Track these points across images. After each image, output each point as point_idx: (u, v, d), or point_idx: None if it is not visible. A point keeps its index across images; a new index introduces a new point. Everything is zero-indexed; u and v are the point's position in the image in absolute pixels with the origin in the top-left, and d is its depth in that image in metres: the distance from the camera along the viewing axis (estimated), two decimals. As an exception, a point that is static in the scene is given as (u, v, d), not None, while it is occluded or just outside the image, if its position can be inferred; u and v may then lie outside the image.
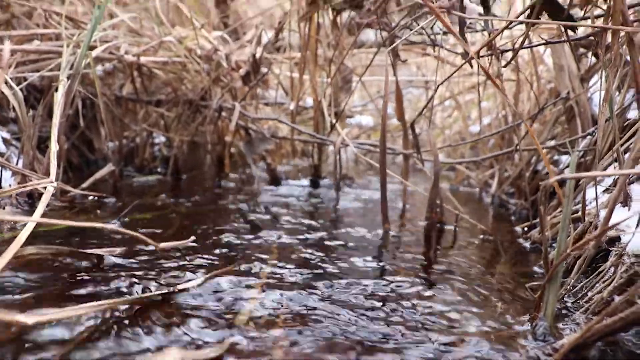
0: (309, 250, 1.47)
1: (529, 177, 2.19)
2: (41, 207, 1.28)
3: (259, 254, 1.41)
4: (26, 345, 0.87)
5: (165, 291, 1.10)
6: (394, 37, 1.88)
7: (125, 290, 1.13)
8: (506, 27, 1.48)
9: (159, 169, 2.42)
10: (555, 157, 2.16)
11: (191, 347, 0.91)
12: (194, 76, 2.24)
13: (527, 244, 1.72)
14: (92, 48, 2.00)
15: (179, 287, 1.13)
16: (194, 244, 1.38)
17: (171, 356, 0.64)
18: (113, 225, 1.29)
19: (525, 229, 1.88)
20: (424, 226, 1.83)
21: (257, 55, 2.10)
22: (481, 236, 1.77)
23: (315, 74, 2.08)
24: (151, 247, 1.38)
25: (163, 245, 1.28)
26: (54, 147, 1.59)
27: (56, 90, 1.74)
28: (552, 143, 2.22)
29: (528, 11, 1.48)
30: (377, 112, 3.07)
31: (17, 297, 1.05)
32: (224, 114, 2.23)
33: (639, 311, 0.89)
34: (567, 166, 2.02)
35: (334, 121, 1.99)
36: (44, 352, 0.87)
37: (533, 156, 2.20)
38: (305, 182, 2.37)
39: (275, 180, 2.32)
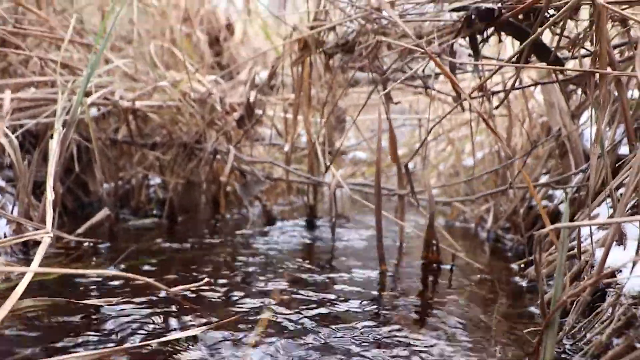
0: (305, 296, 1.47)
1: (524, 213, 2.20)
2: (38, 257, 1.28)
3: (255, 301, 1.40)
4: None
5: (159, 341, 1.10)
6: (386, 80, 1.91)
7: (119, 339, 1.12)
8: (496, 72, 1.51)
9: (154, 212, 2.42)
10: (550, 192, 2.18)
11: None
12: (189, 119, 2.26)
13: (523, 283, 1.71)
14: (87, 94, 2.02)
15: (174, 336, 1.13)
16: (193, 292, 1.37)
17: None
18: (117, 272, 1.27)
19: (522, 265, 1.88)
20: (421, 266, 1.83)
21: (251, 99, 2.12)
22: (477, 275, 1.76)
23: (309, 115, 2.11)
24: (148, 297, 1.38)
25: (174, 289, 1.28)
26: (49, 196, 1.58)
27: (51, 137, 1.75)
28: (546, 178, 2.24)
29: (518, 51, 1.52)
30: (370, 150, 3.09)
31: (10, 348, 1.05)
32: (218, 156, 2.24)
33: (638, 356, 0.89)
34: (562, 202, 2.03)
35: (328, 163, 2.01)
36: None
37: (527, 191, 2.21)
38: (301, 222, 2.37)
39: (270, 221, 2.32)
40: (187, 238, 2.03)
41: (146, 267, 1.67)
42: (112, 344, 1.09)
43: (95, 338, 1.13)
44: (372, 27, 1.82)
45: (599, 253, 1.42)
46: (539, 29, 1.46)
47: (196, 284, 1.33)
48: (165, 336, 1.14)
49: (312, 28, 1.97)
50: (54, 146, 1.71)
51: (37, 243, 1.80)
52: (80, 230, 1.95)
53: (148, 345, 1.09)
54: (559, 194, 2.11)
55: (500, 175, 2.42)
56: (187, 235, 2.09)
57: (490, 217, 2.38)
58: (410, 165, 3.04)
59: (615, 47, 1.64)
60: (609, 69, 1.43)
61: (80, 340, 1.11)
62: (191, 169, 2.32)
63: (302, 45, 2.02)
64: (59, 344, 1.09)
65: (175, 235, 2.09)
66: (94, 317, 1.25)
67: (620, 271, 1.28)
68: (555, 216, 2.04)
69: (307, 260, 1.82)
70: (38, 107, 2.06)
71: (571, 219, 1.91)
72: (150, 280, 1.20)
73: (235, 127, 2.19)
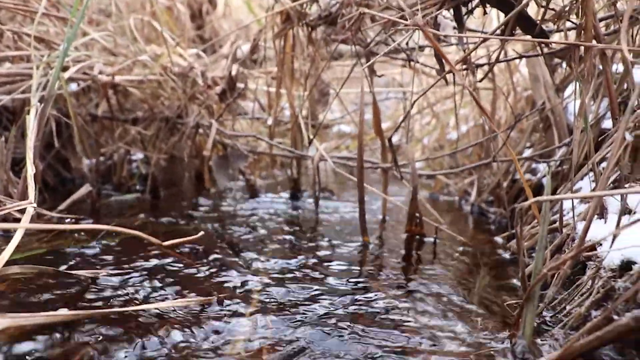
0: (290, 267, 1.47)
1: (507, 186, 2.21)
2: (20, 232, 1.27)
3: (238, 273, 1.40)
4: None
5: (146, 307, 1.10)
6: (370, 53, 1.88)
7: (107, 306, 1.13)
8: (480, 43, 1.50)
9: (137, 187, 2.40)
10: (533, 166, 2.18)
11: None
12: (170, 94, 2.23)
13: (506, 255, 1.73)
14: (65, 68, 1.98)
15: (159, 305, 1.13)
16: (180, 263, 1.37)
17: None
18: (110, 227, 1.26)
19: (505, 238, 1.89)
20: (404, 239, 1.83)
21: (233, 73, 2.09)
22: (461, 248, 1.77)
23: (292, 89, 2.08)
24: (133, 267, 1.37)
25: (167, 243, 1.27)
26: (30, 169, 1.56)
27: (28, 113, 1.72)
28: (530, 151, 2.24)
29: (502, 23, 1.50)
30: (354, 123, 3.07)
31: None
32: (201, 130, 2.22)
33: (616, 329, 0.90)
34: (545, 175, 2.04)
35: (311, 136, 1.99)
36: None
37: (511, 165, 2.22)
38: (285, 195, 2.36)
39: (254, 194, 2.31)
40: (170, 213, 2.02)
41: (127, 243, 1.65)
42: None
43: (84, 304, 1.13)
44: (355, -2, 1.79)
45: (581, 227, 1.43)
46: (524, 1, 1.45)
47: (190, 238, 1.32)
48: (151, 303, 1.14)
49: (294, 0, 1.94)
50: (31, 122, 1.68)
51: (17, 220, 1.78)
52: (61, 207, 1.93)
53: (132, 309, 1.10)
54: (542, 167, 2.12)
55: (485, 148, 2.42)
56: (170, 210, 2.07)
57: (474, 191, 2.39)
58: (395, 139, 3.04)
59: (601, 19, 1.63)
60: (594, 42, 1.42)
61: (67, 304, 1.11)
62: (173, 144, 2.30)
63: (285, 18, 1.99)
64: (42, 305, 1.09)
65: (158, 210, 2.08)
66: (82, 286, 1.24)
67: (601, 244, 1.29)
68: (538, 190, 2.05)
69: (291, 234, 1.81)
70: (14, 82, 2.01)
71: (553, 193, 1.92)
72: (141, 233, 1.19)
73: (217, 101, 2.16)
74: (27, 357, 0.91)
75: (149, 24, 2.60)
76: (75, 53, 2.07)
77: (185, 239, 1.32)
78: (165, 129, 2.26)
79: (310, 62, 2.02)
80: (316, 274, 1.44)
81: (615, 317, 1.02)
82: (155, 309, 1.14)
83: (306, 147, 2.13)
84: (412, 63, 1.85)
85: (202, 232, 1.35)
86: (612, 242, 1.18)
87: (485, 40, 1.46)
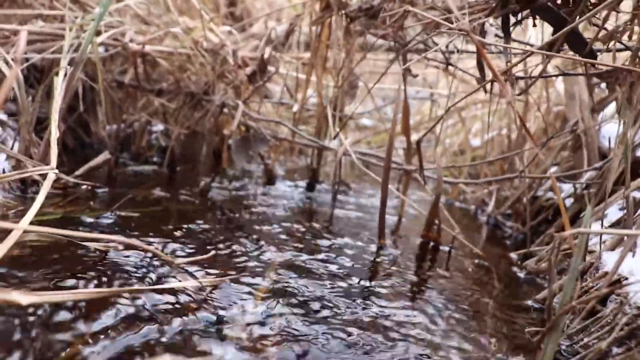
0: (300, 261, 1.44)
1: (528, 202, 2.17)
2: (42, 193, 1.25)
3: (248, 261, 1.38)
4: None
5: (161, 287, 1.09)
6: (407, 52, 1.85)
7: (122, 282, 1.11)
8: (527, 57, 1.46)
9: (154, 159, 2.38)
10: (557, 184, 2.14)
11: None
12: (199, 69, 2.20)
13: (521, 274, 1.70)
14: (97, 33, 1.95)
15: (171, 286, 1.12)
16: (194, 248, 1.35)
17: None
18: (124, 239, 1.23)
19: (521, 256, 1.86)
20: (419, 244, 1.81)
21: (266, 56, 2.06)
22: (476, 260, 1.74)
23: (322, 77, 2.05)
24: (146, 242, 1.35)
25: (180, 261, 1.25)
26: (54, 133, 1.55)
27: (56, 74, 1.70)
28: (555, 169, 2.20)
29: (551, 40, 1.46)
30: (379, 118, 3.03)
31: (15, 282, 1.03)
32: (225, 110, 2.19)
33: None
34: (569, 196, 2.00)
35: (337, 129, 1.96)
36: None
37: (534, 181, 2.18)
38: (302, 184, 2.34)
39: (271, 180, 2.28)
40: (186, 189, 2.00)
41: (142, 218, 1.63)
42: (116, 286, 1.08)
43: (99, 279, 1.11)
44: (399, -5, 1.75)
45: (606, 256, 1.40)
46: (578, 19, 1.41)
47: (202, 257, 1.30)
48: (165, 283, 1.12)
49: (335, -12, 1.90)
50: (59, 84, 1.66)
51: (35, 182, 1.77)
52: (79, 172, 1.90)
53: (149, 288, 1.09)
54: (566, 187, 2.08)
55: (508, 160, 2.38)
56: (186, 186, 2.05)
57: (491, 202, 2.35)
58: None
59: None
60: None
61: (83, 280, 1.10)
62: (196, 120, 2.27)
63: (324, 5, 1.95)
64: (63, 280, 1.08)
65: (174, 186, 2.06)
66: (95, 259, 1.22)
67: (627, 278, 1.26)
68: (559, 210, 2.01)
69: (306, 225, 1.79)
70: (45, 41, 1.99)
71: (576, 216, 1.89)
72: (156, 250, 1.18)
73: (246, 82, 2.13)
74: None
75: (184, -4, 2.56)
76: (108, 18, 2.04)
77: (199, 257, 1.29)
78: (189, 103, 2.24)
79: (345, 53, 1.98)
80: (327, 272, 1.41)
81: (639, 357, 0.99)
82: (167, 289, 1.12)
83: (330, 139, 2.10)
84: (449, 67, 1.80)
85: (213, 252, 1.33)
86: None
87: (532, 53, 1.42)
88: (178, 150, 2.34)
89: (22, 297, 0.78)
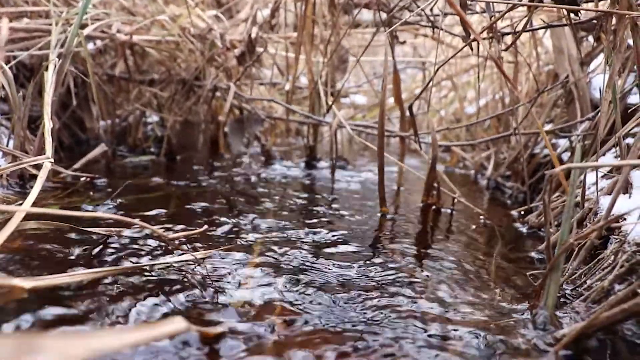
0: (304, 234, 1.45)
1: (525, 160, 2.18)
2: (39, 182, 1.26)
3: (251, 236, 1.39)
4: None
5: (161, 264, 1.10)
6: (392, 18, 1.85)
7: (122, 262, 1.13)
8: (509, 10, 1.46)
9: (152, 149, 2.39)
10: (553, 141, 2.15)
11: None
12: (188, 55, 2.20)
13: (523, 229, 1.71)
14: (83, 26, 1.95)
15: (172, 260, 1.13)
16: (191, 230, 1.36)
17: (177, 323, 0.62)
18: (126, 218, 1.25)
19: (522, 212, 1.87)
20: (420, 209, 1.82)
21: (253, 35, 2.06)
22: (478, 220, 1.75)
23: (311, 54, 2.05)
24: (153, 223, 1.37)
25: (173, 236, 1.26)
26: (47, 124, 1.56)
27: (46, 69, 1.70)
28: (550, 126, 2.21)
29: (530, -7, 1.46)
30: (371, 92, 3.04)
31: (16, 267, 1.05)
32: (218, 94, 2.19)
33: (642, 302, 0.89)
34: (566, 150, 2.01)
35: (330, 102, 1.96)
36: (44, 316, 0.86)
37: (530, 139, 2.19)
38: (300, 163, 2.35)
39: (269, 160, 2.29)
40: (185, 177, 2.01)
41: (142, 203, 1.64)
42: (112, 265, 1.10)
43: (99, 260, 1.13)
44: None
45: (603, 201, 1.41)
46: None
47: (196, 231, 1.31)
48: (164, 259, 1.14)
49: (317, -38, 1.90)
50: (49, 77, 1.67)
51: (33, 177, 1.78)
52: (77, 165, 1.92)
53: (148, 264, 1.10)
54: (562, 142, 2.08)
55: (503, 122, 2.38)
56: (184, 173, 2.06)
57: (490, 165, 2.36)
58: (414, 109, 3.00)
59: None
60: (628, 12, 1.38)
61: (82, 261, 1.11)
62: (190, 107, 2.28)
63: (307, -20, 1.95)
64: (63, 264, 1.09)
65: (172, 173, 2.07)
66: (97, 243, 1.24)
67: (625, 219, 1.27)
68: (559, 165, 2.02)
69: (305, 201, 1.80)
70: (32, 38, 1.99)
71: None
72: (148, 225, 1.18)
73: (235, 64, 2.13)
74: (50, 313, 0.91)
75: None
76: (93, 11, 2.04)
77: (191, 232, 1.30)
78: (182, 91, 2.24)
79: (331, 27, 1.98)
80: (331, 241, 1.42)
81: (640, 291, 1.00)
82: (160, 265, 1.13)
83: (324, 114, 2.11)
84: (435, 31, 1.80)
85: (205, 226, 1.33)
86: (639, 216, 1.16)
87: (513, 7, 1.42)
88: (175, 140, 2.35)
89: (24, 282, 0.79)
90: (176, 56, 2.25)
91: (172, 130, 2.22)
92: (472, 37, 1.55)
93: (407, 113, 1.74)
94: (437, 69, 1.59)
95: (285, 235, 1.43)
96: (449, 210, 1.80)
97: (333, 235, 1.46)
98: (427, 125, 2.79)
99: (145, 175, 2.01)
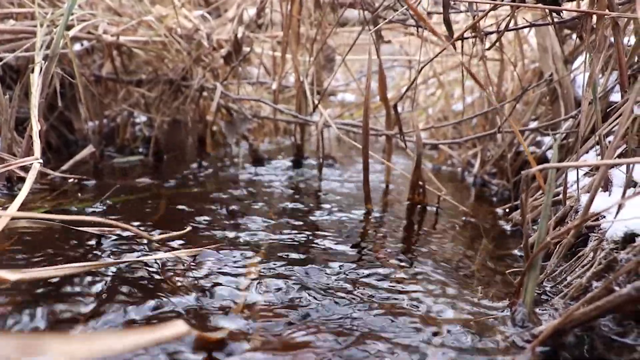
0: (291, 235, 1.47)
1: (511, 158, 2.20)
2: (28, 183, 1.27)
3: (240, 237, 1.40)
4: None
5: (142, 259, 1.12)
6: (377, 17, 1.86)
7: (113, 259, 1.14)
8: (491, 10, 1.47)
9: (140, 149, 2.39)
10: (539, 138, 2.17)
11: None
12: (175, 55, 2.20)
13: (508, 227, 1.73)
14: (69, 27, 1.95)
15: (154, 257, 1.14)
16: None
17: (179, 327, 0.63)
18: (110, 221, 1.25)
19: (507, 210, 1.89)
20: (406, 207, 1.83)
21: (239, 35, 2.06)
22: (463, 218, 1.77)
23: (297, 53, 2.06)
24: (141, 224, 1.37)
25: (158, 237, 1.27)
26: (35, 126, 1.56)
27: (32, 71, 1.71)
28: (535, 124, 2.23)
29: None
30: (359, 91, 3.05)
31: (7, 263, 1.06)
32: (205, 93, 2.20)
33: (617, 299, 0.90)
34: (550, 148, 2.03)
35: (316, 101, 1.98)
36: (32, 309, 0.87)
37: (515, 137, 2.21)
38: (288, 161, 2.36)
39: (257, 160, 2.30)
40: (173, 176, 2.02)
41: (131, 204, 1.65)
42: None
43: (90, 258, 1.14)
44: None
45: (584, 198, 1.43)
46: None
47: (179, 233, 1.32)
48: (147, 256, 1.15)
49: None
50: (35, 79, 1.67)
51: (21, 179, 1.78)
52: (64, 167, 1.92)
53: (138, 260, 1.12)
54: (547, 140, 2.11)
55: (490, 120, 2.40)
56: (172, 173, 2.07)
57: (477, 162, 2.38)
58: (400, 108, 3.02)
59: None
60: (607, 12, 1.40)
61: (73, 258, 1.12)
62: (177, 107, 2.29)
63: (292, -20, 1.96)
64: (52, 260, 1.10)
65: (160, 173, 2.08)
66: (87, 243, 1.24)
67: (604, 216, 1.29)
68: (542, 163, 2.04)
69: (293, 199, 1.81)
70: (18, 40, 1.99)
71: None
72: (131, 226, 1.19)
73: (222, 64, 2.14)
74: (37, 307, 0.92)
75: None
76: (79, 12, 2.04)
77: (176, 233, 1.31)
78: (169, 91, 2.25)
79: (317, 26, 1.99)
80: (317, 240, 1.44)
81: (616, 288, 1.02)
82: (146, 261, 1.15)
83: (311, 113, 2.12)
84: (420, 30, 1.82)
85: (189, 228, 1.34)
86: (617, 214, 1.18)
87: (495, 7, 1.44)
88: (163, 139, 2.35)
89: (9, 274, 0.80)
90: (163, 56, 2.25)
91: (160, 130, 2.22)
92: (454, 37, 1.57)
93: (393, 111, 1.75)
94: (421, 69, 1.60)
95: (272, 235, 1.44)
96: (434, 208, 1.81)
97: (318, 234, 1.47)
98: (413, 124, 2.80)
99: (133, 175, 2.02)
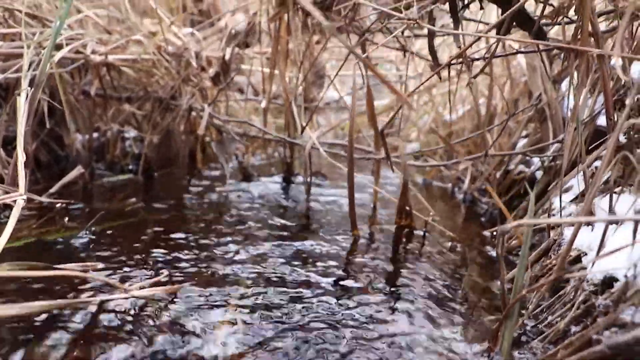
0: (275, 262, 1.47)
1: (500, 177, 2.20)
2: (12, 221, 1.26)
3: (222, 270, 1.40)
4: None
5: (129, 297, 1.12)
6: (365, 41, 1.85)
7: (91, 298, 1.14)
8: (475, 42, 1.47)
9: (130, 166, 2.39)
10: (527, 158, 2.17)
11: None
12: (165, 73, 2.20)
13: (494, 253, 1.73)
14: (58, 46, 1.95)
15: (137, 293, 1.14)
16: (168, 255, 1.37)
17: None
18: (85, 274, 1.25)
19: (494, 233, 1.89)
20: (394, 231, 1.83)
21: (227, 57, 2.06)
22: (450, 243, 1.77)
23: (285, 73, 2.05)
24: (120, 259, 1.38)
25: (137, 293, 1.25)
26: (20, 157, 1.55)
27: (19, 94, 1.70)
28: (525, 141, 2.23)
29: (499, 21, 1.47)
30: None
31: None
32: (194, 113, 2.20)
33: (591, 355, 0.91)
34: (539, 169, 2.03)
35: (304, 123, 1.97)
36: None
37: (505, 156, 2.20)
38: (278, 178, 2.36)
39: (247, 177, 2.30)
40: (162, 197, 2.02)
41: (117, 232, 1.65)
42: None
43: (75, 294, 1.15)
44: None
45: (567, 232, 1.43)
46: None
47: (154, 279, 1.30)
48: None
49: (289, -17, 1.90)
50: (21, 107, 1.67)
51: (8, 206, 1.78)
52: (53, 190, 1.92)
53: (114, 298, 1.12)
54: (536, 159, 2.10)
55: (480, 135, 2.40)
56: (162, 193, 2.07)
57: (467, 179, 2.38)
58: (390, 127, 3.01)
59: (600, 14, 1.60)
60: (591, 41, 1.40)
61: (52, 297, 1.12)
62: (167, 125, 2.28)
63: (280, 1, 1.95)
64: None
65: (150, 194, 2.08)
66: (71, 280, 1.25)
67: (586, 254, 1.29)
68: (532, 183, 2.04)
69: (280, 224, 1.81)
70: (6, 59, 1.98)
71: (545, 188, 1.92)
72: (110, 281, 1.20)
73: (210, 86, 2.14)
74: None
75: (145, -2, 2.55)
76: (68, 32, 2.03)
77: (159, 288, 1.29)
78: (158, 109, 2.24)
79: (305, 47, 1.98)
80: (301, 270, 1.44)
81: (594, 336, 1.03)
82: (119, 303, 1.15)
83: (300, 134, 2.12)
84: (407, 52, 1.82)
85: (166, 273, 1.33)
86: (597, 253, 1.18)
87: (479, 38, 1.44)
88: (153, 156, 2.35)
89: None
90: (153, 73, 2.25)
91: (150, 147, 2.22)
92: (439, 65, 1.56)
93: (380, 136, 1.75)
94: (409, 95, 1.60)
95: (256, 268, 1.44)
96: (421, 232, 1.81)
97: (303, 266, 1.47)
98: (406, 137, 2.81)
99: (122, 195, 2.02)
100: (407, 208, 1.80)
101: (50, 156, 2.41)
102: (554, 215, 1.55)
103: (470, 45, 1.47)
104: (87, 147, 2.32)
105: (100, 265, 1.35)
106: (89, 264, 1.33)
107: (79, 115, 2.30)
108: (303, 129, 2.04)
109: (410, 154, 2.05)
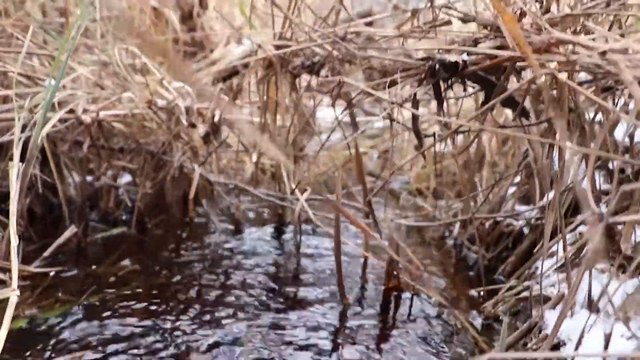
0: (260, 330, 1.53)
1: (489, 228, 2.22)
2: (7, 321, 1.28)
3: (206, 336, 1.44)
4: None
5: None
6: (352, 107, 1.88)
7: None
8: (458, 128, 1.50)
9: (123, 217, 2.42)
10: (516, 208, 2.19)
11: None
12: (157, 128, 2.22)
13: (479, 318, 1.76)
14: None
15: None
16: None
17: None
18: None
19: (481, 293, 1.92)
20: (382, 293, 1.86)
21: (216, 119, 2.08)
22: (436, 308, 1.80)
23: (275, 135, 2.08)
24: (113, 339, 1.41)
25: None
26: (14, 241, 1.55)
27: (11, 159, 1.72)
28: (514, 189, 2.25)
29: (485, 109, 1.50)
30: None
31: None
32: (185, 170, 2.23)
33: None
34: (527, 223, 2.06)
35: (293, 186, 2.00)
36: None
37: (494, 206, 2.23)
38: (269, 229, 2.38)
39: (238, 229, 2.34)
40: (156, 256, 2.05)
41: (110, 304, 1.68)
42: None
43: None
44: (338, 53, 1.78)
45: (548, 315, 1.47)
46: (507, 84, 1.45)
47: None
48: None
49: (277, 47, 1.92)
50: (13, 184, 1.69)
51: (2, 281, 1.81)
52: (46, 253, 1.95)
53: None
54: (523, 209, 2.12)
55: (469, 180, 2.42)
56: (156, 250, 2.10)
57: (457, 226, 2.40)
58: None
59: (581, 83, 1.63)
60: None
61: None
62: (159, 180, 2.31)
63: (268, 64, 1.98)
64: None
65: (143, 252, 2.10)
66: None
67: (565, 344, 1.33)
68: (519, 237, 2.07)
69: (266, 286, 1.83)
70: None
71: (532, 247, 1.95)
72: None
73: (201, 144, 2.17)
74: None
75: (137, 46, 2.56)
76: (59, 93, 2.05)
77: None
78: (151, 162, 2.27)
79: (294, 107, 2.01)
80: (286, 339, 1.50)
81: None
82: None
83: (289, 194, 2.15)
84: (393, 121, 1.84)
85: None
86: (578, 343, 1.22)
87: (460, 127, 1.46)
88: (147, 200, 2.38)
89: None
90: (145, 126, 2.27)
91: (142, 201, 2.25)
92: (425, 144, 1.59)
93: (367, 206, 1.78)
94: (393, 172, 1.63)
95: (239, 349, 1.46)
96: (409, 295, 1.84)
97: (287, 334, 1.53)
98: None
99: (115, 255, 2.05)
100: (395, 273, 1.83)
101: (44, 206, 2.43)
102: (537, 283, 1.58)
103: (455, 131, 1.50)
104: (80, 194, 2.35)
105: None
106: (82, 353, 1.37)
107: (72, 166, 2.33)
108: (292, 191, 2.06)
109: (395, 219, 2.07)
